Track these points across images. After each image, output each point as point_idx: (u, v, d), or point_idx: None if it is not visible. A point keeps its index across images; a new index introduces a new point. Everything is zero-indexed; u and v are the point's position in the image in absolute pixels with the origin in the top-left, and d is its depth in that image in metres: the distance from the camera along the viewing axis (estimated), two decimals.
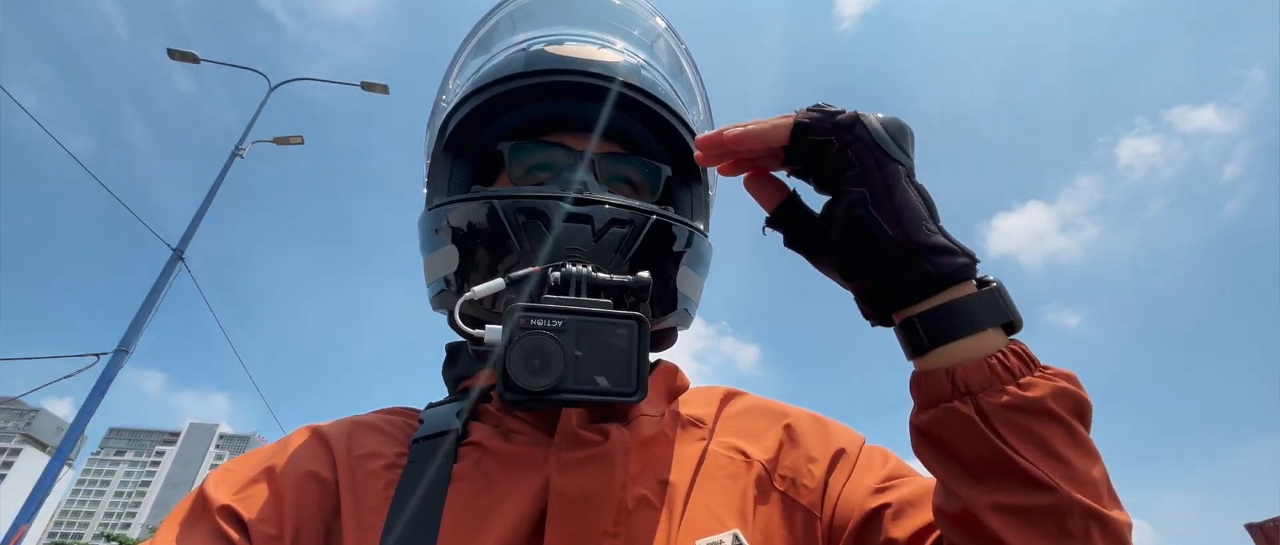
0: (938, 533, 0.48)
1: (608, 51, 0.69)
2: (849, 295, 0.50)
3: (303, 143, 7.60)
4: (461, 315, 0.54)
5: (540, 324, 0.45)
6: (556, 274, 0.52)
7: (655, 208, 0.62)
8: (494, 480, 0.52)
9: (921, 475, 0.56)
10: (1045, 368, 0.43)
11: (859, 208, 0.45)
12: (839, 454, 0.57)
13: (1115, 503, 0.41)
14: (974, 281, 0.45)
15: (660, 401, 0.62)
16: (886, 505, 0.52)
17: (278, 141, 7.57)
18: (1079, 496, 0.39)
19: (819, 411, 0.63)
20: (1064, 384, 0.42)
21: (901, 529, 0.50)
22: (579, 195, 0.58)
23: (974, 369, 0.42)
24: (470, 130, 0.68)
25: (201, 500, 0.52)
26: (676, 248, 0.63)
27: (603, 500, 0.49)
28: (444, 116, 0.69)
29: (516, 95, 0.66)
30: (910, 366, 0.47)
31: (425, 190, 0.70)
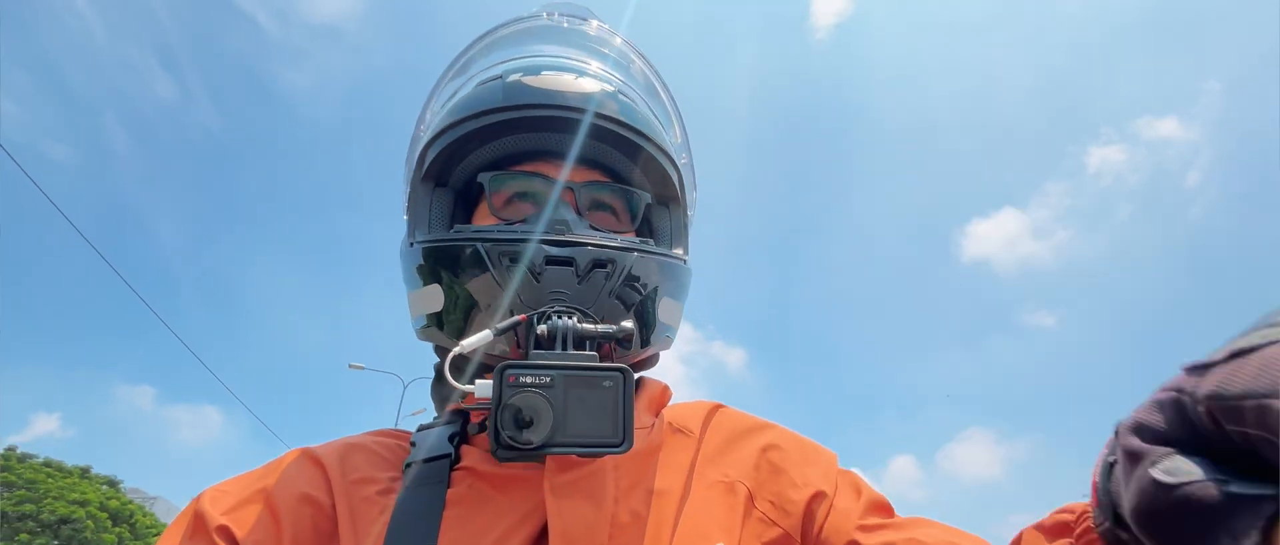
0: None
1: (585, 80, 0.67)
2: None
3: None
4: (451, 368, 0.54)
5: (529, 380, 0.47)
6: (542, 327, 0.53)
7: (637, 244, 0.63)
8: (488, 504, 0.53)
9: (897, 515, 0.59)
10: None
11: None
12: (820, 479, 0.58)
13: None
14: None
15: (647, 414, 0.64)
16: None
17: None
18: None
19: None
20: None
21: None
22: (559, 237, 0.59)
23: None
24: (449, 160, 0.67)
25: (197, 519, 0.52)
26: (658, 280, 0.64)
27: (596, 519, 0.51)
28: (422, 146, 0.68)
29: (495, 128, 0.65)
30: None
31: (406, 218, 0.69)
